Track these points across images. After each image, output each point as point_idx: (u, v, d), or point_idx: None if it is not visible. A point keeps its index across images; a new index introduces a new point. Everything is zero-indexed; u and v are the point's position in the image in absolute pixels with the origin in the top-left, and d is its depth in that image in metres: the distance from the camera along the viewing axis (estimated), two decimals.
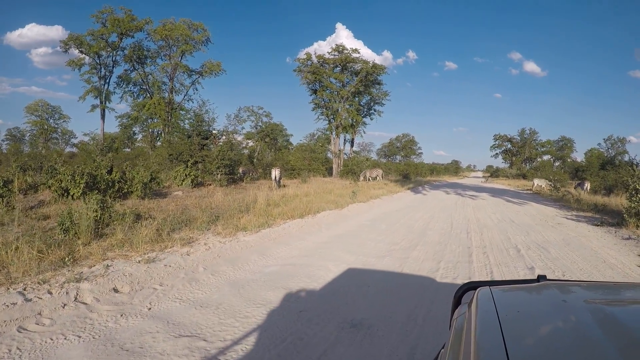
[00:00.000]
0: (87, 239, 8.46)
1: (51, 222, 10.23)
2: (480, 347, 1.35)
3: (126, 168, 17.72)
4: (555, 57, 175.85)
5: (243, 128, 42.18)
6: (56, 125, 66.06)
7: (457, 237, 11.61)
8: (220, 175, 24.61)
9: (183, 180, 22.30)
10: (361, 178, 37.83)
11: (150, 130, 41.67)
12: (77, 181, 13.96)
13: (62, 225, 8.70)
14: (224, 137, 28.96)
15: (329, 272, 7.45)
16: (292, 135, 69.46)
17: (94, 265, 6.88)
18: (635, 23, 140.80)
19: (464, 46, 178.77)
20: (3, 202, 11.87)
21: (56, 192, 14.05)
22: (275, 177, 25.04)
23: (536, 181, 37.58)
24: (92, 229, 8.84)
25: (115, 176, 15.79)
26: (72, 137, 64.74)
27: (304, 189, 22.14)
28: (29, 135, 64.74)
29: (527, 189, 40.93)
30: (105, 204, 10.67)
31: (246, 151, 57.78)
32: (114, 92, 42.84)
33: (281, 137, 67.61)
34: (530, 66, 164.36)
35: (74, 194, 13.91)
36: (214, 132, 28.61)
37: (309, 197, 18.59)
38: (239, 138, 67.80)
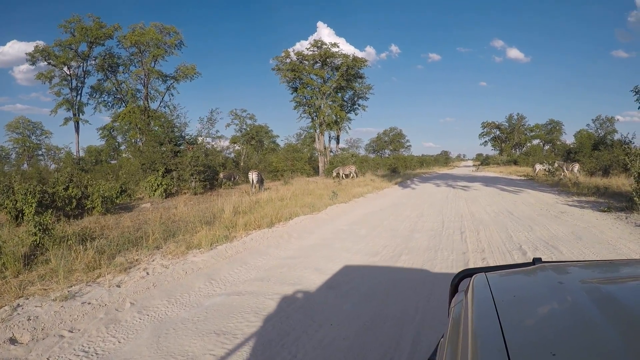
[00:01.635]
0: (16, 269, 7.44)
1: None
2: (477, 335, 1.37)
3: (87, 182, 16.54)
4: (538, 40, 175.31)
5: (217, 131, 40.69)
6: (39, 142, 64.85)
7: (450, 239, 10.12)
8: (195, 182, 23.29)
9: (155, 191, 21.01)
10: (334, 174, 36.55)
11: (132, 140, 40.24)
12: (29, 200, 12.66)
13: None
14: (199, 142, 27.42)
15: (282, 303, 6.09)
16: (278, 136, 68.28)
17: (3, 307, 5.79)
18: (613, 1, 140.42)
19: (446, 37, 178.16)
20: None
21: (9, 213, 12.84)
22: (253, 181, 23.69)
23: (538, 166, 36.19)
24: (20, 258, 7.82)
25: (72, 192, 14.46)
26: (58, 153, 63.04)
27: (282, 192, 20.71)
28: (14, 154, 63.42)
29: (521, 175, 39.71)
30: (45, 227, 9.53)
31: (232, 155, 56.88)
32: (87, 104, 41.28)
33: (267, 139, 66.51)
34: (514, 53, 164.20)
35: (27, 214, 12.68)
36: (186, 137, 27.14)
37: (285, 201, 17.12)
38: (225, 143, 67.19)
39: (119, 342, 4.93)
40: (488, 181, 33.63)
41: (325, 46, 44.01)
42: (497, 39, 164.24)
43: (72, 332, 5.20)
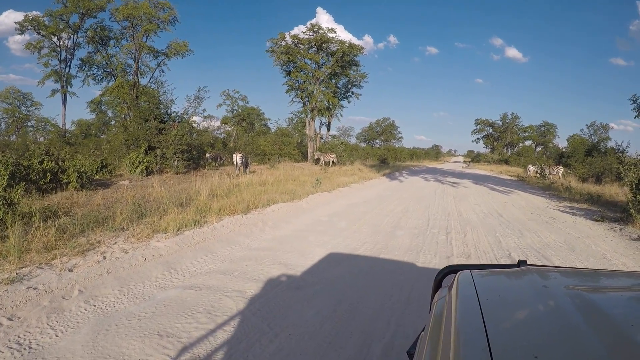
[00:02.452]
0: None
1: None
2: (460, 331, 1.36)
3: (65, 156, 16.11)
4: (537, 43, 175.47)
5: (205, 110, 40.20)
6: (28, 113, 63.84)
7: (434, 240, 9.56)
8: (177, 161, 22.79)
9: (136, 168, 20.53)
10: (315, 158, 36.84)
11: (122, 115, 39.59)
12: (1, 172, 12.18)
13: None
14: (184, 120, 26.84)
15: (240, 302, 5.56)
16: (269, 119, 67.34)
17: None
18: (616, 10, 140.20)
19: (446, 31, 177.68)
20: None
21: None
22: (237, 163, 23.20)
23: (531, 168, 35.92)
24: None
25: (47, 166, 13.97)
26: (47, 125, 62.18)
27: (265, 176, 20.23)
28: (4, 124, 62.46)
29: (512, 175, 39.45)
30: (10, 201, 9.14)
31: (223, 136, 56.30)
32: (76, 76, 40.26)
33: (259, 122, 65.71)
34: (512, 52, 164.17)
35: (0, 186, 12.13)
36: (172, 115, 26.56)
37: (266, 187, 16.66)
38: (217, 123, 66.57)
39: (56, 335, 4.52)
40: (478, 179, 33.23)
41: (321, 31, 43.13)
42: (496, 37, 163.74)
43: (11, 319, 4.82)
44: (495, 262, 7.76)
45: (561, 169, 31.11)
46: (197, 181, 16.22)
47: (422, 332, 1.86)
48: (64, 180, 14.51)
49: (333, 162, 36.03)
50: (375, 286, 6.28)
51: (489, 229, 11.12)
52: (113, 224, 9.15)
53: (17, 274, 5.98)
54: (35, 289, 5.56)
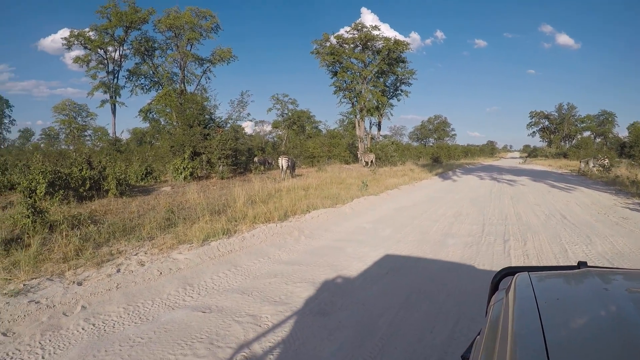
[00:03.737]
0: None
1: None
2: (517, 334, 1.33)
3: (106, 163, 16.09)
4: (588, 26, 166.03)
5: (249, 114, 40.27)
6: (84, 123, 66.49)
7: (490, 251, 8.29)
8: (222, 166, 22.47)
9: (180, 174, 20.30)
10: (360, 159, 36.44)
11: (172, 122, 40.37)
12: (40, 180, 12.16)
13: None
14: (230, 125, 26.59)
15: (250, 331, 4.76)
16: (320, 122, 67.24)
17: None
18: None
19: (493, 22, 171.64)
20: None
21: (23, 192, 12.35)
22: (283, 166, 22.75)
23: (592, 162, 33.89)
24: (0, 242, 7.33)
25: (86, 173, 13.84)
26: (104, 135, 64.45)
27: (310, 180, 19.47)
28: (63, 135, 65.34)
29: (572, 170, 37.18)
30: (39, 209, 8.95)
31: (273, 139, 56.56)
32: (124, 87, 41.71)
33: (309, 125, 65.61)
34: (563, 38, 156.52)
35: (39, 193, 12.14)
36: (216, 120, 26.36)
37: (309, 191, 15.90)
38: (268, 127, 66.99)
39: (42, 357, 4.14)
40: (536, 175, 31.11)
41: (365, 29, 42.22)
42: (545, 24, 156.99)
43: (5, 335, 4.58)
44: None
45: (607, 161, 29.26)
46: (242, 186, 15.69)
47: (478, 336, 1.83)
48: (105, 188, 14.30)
49: (372, 161, 35.20)
50: (413, 313, 5.28)
51: (553, 235, 9.77)
52: (141, 233, 8.68)
53: (24, 285, 5.73)
54: (37, 302, 5.27)
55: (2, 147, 61.02)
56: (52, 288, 5.69)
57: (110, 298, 5.60)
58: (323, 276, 6.68)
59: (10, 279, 5.94)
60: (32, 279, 6.02)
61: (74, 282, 5.94)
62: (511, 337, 1.31)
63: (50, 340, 4.49)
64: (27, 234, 8.11)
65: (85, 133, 65.87)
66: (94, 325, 4.85)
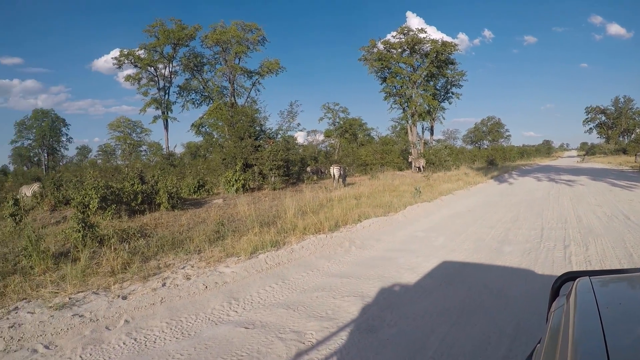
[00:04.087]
0: (44, 267, 7.18)
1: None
2: (578, 341, 1.30)
3: (158, 178, 16.34)
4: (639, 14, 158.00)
5: (299, 124, 40.56)
6: (139, 139, 68.75)
7: (549, 258, 7.67)
8: (274, 177, 22.45)
9: (232, 186, 20.38)
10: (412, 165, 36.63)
11: (225, 136, 41.14)
12: (92, 195, 12.43)
13: (25, 250, 7.48)
14: (280, 136, 26.62)
15: (292, 348, 4.50)
16: (372, 129, 66.86)
17: None
18: None
19: (541, 17, 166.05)
20: (15, 220, 11.40)
21: (76, 207, 12.67)
22: (335, 175, 22.57)
23: None
24: (50, 256, 7.51)
25: (137, 188, 14.07)
26: (158, 150, 66.63)
27: (363, 188, 19.11)
28: (119, 151, 67.84)
29: (632, 167, 35.30)
30: (90, 224, 9.07)
31: (325, 149, 56.71)
32: (175, 102, 42.84)
33: (361, 132, 65.39)
34: (614, 28, 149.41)
35: (92, 208, 12.70)
36: (266, 131, 26.45)
37: (360, 200, 15.51)
38: (321, 137, 67.24)
39: None
40: (595, 174, 29.65)
41: (412, 32, 41.43)
42: (594, 14, 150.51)
43: (47, 347, 4.63)
44: None
45: None
46: (293, 196, 15.51)
47: (538, 344, 1.77)
48: (157, 202, 14.45)
49: (422, 167, 35.05)
50: (467, 328, 4.84)
51: (616, 238, 8.99)
52: (189, 246, 8.60)
53: (69, 299, 5.79)
54: (81, 316, 5.29)
55: (60, 164, 63.93)
56: (96, 302, 5.68)
57: (153, 312, 5.50)
58: (372, 289, 6.31)
59: (57, 293, 6.00)
60: (79, 292, 6.05)
61: (119, 295, 5.90)
62: (572, 344, 1.28)
63: (90, 354, 4.45)
64: (77, 247, 8.19)
65: (141, 148, 68.11)
66: (135, 339, 4.78)
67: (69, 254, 7.79)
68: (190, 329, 5.01)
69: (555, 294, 2.05)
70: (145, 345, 4.61)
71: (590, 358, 1.17)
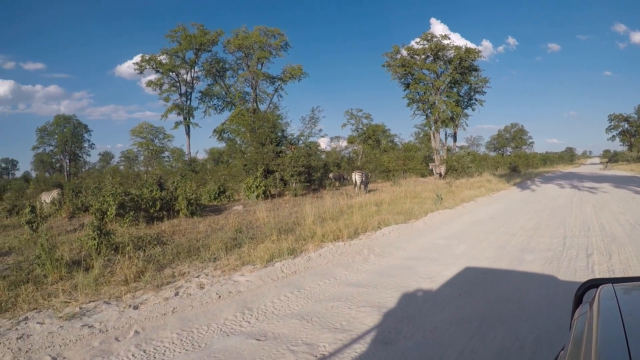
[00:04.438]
0: (58, 275, 7.07)
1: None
2: (601, 349, 1.28)
3: (177, 184, 16.35)
4: None
5: (320, 130, 40.41)
6: (162, 145, 69.08)
7: (571, 267, 7.42)
8: (295, 183, 22.31)
9: (253, 192, 20.31)
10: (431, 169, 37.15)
11: (248, 142, 41.26)
12: (110, 202, 12.40)
13: (39, 258, 7.40)
14: (301, 142, 26.50)
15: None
16: (395, 135, 66.49)
17: (10, 320, 5.36)
18: None
19: (565, 25, 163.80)
20: (31, 227, 11.26)
21: (94, 214, 12.68)
22: (357, 182, 22.37)
23: None
24: (64, 264, 7.42)
25: (156, 194, 14.03)
26: (181, 156, 67.35)
27: (384, 195, 18.89)
28: (142, 157, 68.30)
29: None
30: (105, 231, 9.04)
31: (348, 155, 56.59)
32: (197, 108, 42.91)
33: (385, 138, 65.10)
34: (638, 37, 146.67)
35: (109, 215, 12.71)
36: (288, 137, 26.37)
37: (381, 206, 15.27)
38: (344, 143, 67.15)
39: None
40: (619, 181, 28.98)
41: (435, 39, 41.20)
42: (618, 22, 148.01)
43: (55, 359, 4.53)
44: None
45: None
46: (314, 203, 15.32)
47: (562, 352, 1.75)
48: (176, 208, 14.40)
49: (442, 173, 35.13)
50: (487, 341, 4.59)
51: None
52: (205, 254, 8.47)
53: (80, 308, 5.67)
54: (90, 327, 5.15)
55: (82, 170, 64.44)
56: (107, 312, 5.56)
57: (164, 323, 5.37)
58: (390, 299, 6.08)
59: (68, 302, 5.90)
60: (90, 302, 5.93)
61: (130, 305, 5.77)
62: (595, 351, 1.27)
63: None
64: (91, 256, 8.11)
65: (163, 154, 68.42)
66: (144, 351, 4.66)
67: (84, 262, 7.72)
68: (201, 340, 4.86)
69: (578, 301, 2.04)
70: (154, 358, 4.48)
71: None
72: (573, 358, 1.42)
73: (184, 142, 43.33)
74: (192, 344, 4.76)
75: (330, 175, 29.64)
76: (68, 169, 66.17)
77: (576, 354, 1.41)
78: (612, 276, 6.69)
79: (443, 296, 6.17)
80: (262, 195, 20.44)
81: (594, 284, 2.02)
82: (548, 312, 5.30)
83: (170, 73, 41.08)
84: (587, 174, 43.84)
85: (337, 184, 28.08)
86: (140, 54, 40.69)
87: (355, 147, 63.47)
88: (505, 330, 4.82)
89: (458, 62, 40.47)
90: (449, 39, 41.41)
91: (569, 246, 9.16)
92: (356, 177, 22.66)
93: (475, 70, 43.11)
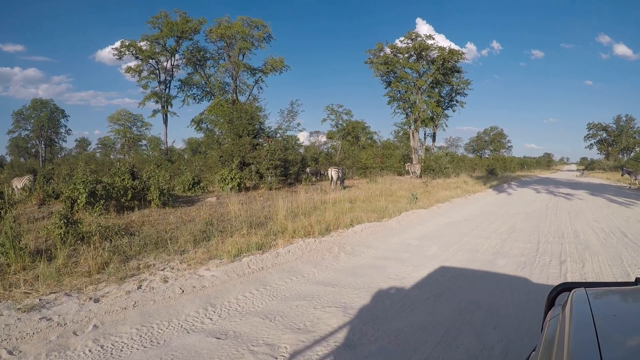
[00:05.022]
0: (21, 265, 6.85)
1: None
2: (573, 351, 1.31)
3: (150, 173, 16.07)
4: None
5: (299, 124, 40.40)
6: (140, 133, 68.25)
7: (544, 274, 7.40)
8: (270, 177, 22.17)
9: (227, 184, 20.11)
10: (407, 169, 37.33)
11: (227, 132, 40.90)
12: (80, 190, 12.08)
13: (2, 246, 7.11)
14: (278, 135, 26.37)
15: None
16: (375, 132, 66.58)
17: None
18: None
19: (550, 33, 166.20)
20: None
21: (64, 202, 12.39)
22: (333, 177, 22.29)
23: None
24: (28, 254, 7.20)
25: (127, 183, 13.78)
26: (159, 144, 66.50)
27: (359, 192, 18.90)
28: (119, 144, 67.39)
29: (631, 184, 35.16)
30: (72, 220, 8.81)
31: (327, 150, 56.62)
32: (176, 96, 42.25)
33: (364, 135, 65.14)
34: (621, 49, 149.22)
35: (79, 203, 12.32)
36: (265, 130, 26.19)
37: (355, 203, 15.26)
38: (323, 138, 67.17)
39: None
40: (594, 189, 29.50)
41: (419, 38, 41.23)
42: (603, 34, 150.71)
43: (11, 353, 4.37)
44: None
45: None
46: (283, 198, 15.19)
47: (533, 352, 1.83)
48: (148, 198, 14.18)
49: (415, 172, 35.41)
50: (453, 348, 4.53)
51: (613, 256, 8.73)
52: (173, 246, 8.33)
53: (40, 300, 5.49)
54: (49, 319, 4.99)
55: (58, 156, 63.32)
56: (67, 304, 5.39)
57: (125, 317, 5.24)
58: (357, 300, 6.02)
59: (29, 293, 5.74)
60: (51, 293, 5.77)
61: (91, 298, 5.61)
62: (567, 353, 1.29)
63: None
64: (55, 245, 7.90)
65: (141, 143, 67.55)
66: (102, 347, 4.52)
67: (49, 252, 7.52)
68: (160, 337, 4.74)
69: (551, 303, 2.08)
70: (111, 354, 4.35)
71: None
72: (545, 358, 1.47)
73: (162, 131, 42.78)
74: (151, 341, 4.64)
75: (308, 170, 29.61)
76: (44, 154, 64.82)
77: (548, 355, 1.45)
78: None
79: (412, 299, 6.11)
80: (237, 188, 20.27)
81: (567, 287, 2.06)
82: (518, 319, 5.28)
83: (150, 60, 40.35)
84: (564, 180, 44.58)
85: (313, 178, 28.04)
86: (123, 39, 39.91)
87: (334, 143, 63.49)
88: (473, 338, 4.77)
89: (441, 62, 40.57)
90: (433, 39, 41.54)
91: (543, 252, 9.20)
92: (332, 172, 22.59)
93: (458, 71, 43.32)
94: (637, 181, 31.77)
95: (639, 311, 1.78)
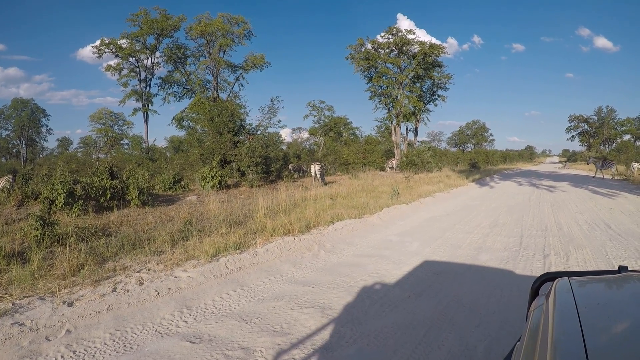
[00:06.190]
0: None
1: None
2: (557, 340, 1.33)
3: (129, 173, 15.92)
4: (627, 29, 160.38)
5: (280, 120, 40.30)
6: (121, 132, 67.71)
7: (528, 268, 7.42)
8: (252, 174, 22.06)
9: (208, 182, 19.96)
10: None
11: (208, 130, 40.70)
12: (58, 190, 11.94)
13: None
14: (259, 132, 26.25)
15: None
16: (357, 128, 66.71)
17: None
18: None
19: (530, 26, 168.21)
20: None
21: (42, 202, 12.22)
22: (315, 174, 22.29)
23: (635, 165, 32.51)
24: (2, 256, 7.13)
25: (106, 183, 13.62)
26: (140, 143, 65.87)
27: (341, 188, 18.83)
28: (102, 143, 66.73)
29: (612, 175, 35.65)
30: (49, 222, 8.73)
31: (310, 146, 56.59)
32: (156, 94, 42.16)
33: (346, 131, 65.17)
34: (601, 42, 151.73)
35: (58, 204, 12.20)
36: (246, 127, 26.05)
37: (337, 200, 15.24)
38: (306, 134, 67.12)
39: None
40: (577, 181, 29.68)
41: (400, 33, 41.36)
42: (583, 27, 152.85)
43: None
44: None
45: (614, 166, 30.68)
46: (264, 195, 15.09)
47: (518, 342, 1.82)
48: (128, 198, 14.03)
49: (392, 167, 36.02)
50: (434, 349, 4.49)
51: (598, 248, 8.76)
52: (150, 247, 8.23)
53: (13, 304, 5.38)
54: (21, 325, 4.89)
55: (39, 156, 62.64)
56: (40, 308, 5.28)
57: (98, 321, 5.14)
58: (336, 300, 5.96)
59: (3, 297, 5.62)
60: (25, 297, 5.65)
61: (65, 302, 5.50)
62: (551, 342, 1.30)
63: None
64: (31, 247, 7.78)
65: (123, 142, 66.95)
66: (74, 352, 4.42)
67: (24, 254, 7.42)
68: (134, 341, 4.66)
69: (535, 293, 2.09)
70: (84, 359, 4.27)
71: (569, 357, 1.19)
72: (529, 349, 1.47)
73: (143, 129, 42.44)
74: (124, 346, 4.56)
75: (290, 166, 29.57)
76: (25, 154, 64.21)
77: (532, 345, 1.46)
78: None
79: (392, 297, 6.07)
80: (218, 186, 20.14)
81: (550, 277, 2.08)
82: (501, 317, 5.25)
83: (130, 58, 40.14)
84: (546, 173, 44.84)
85: (296, 175, 28.01)
86: (101, 37, 39.52)
87: (317, 139, 63.46)
88: (455, 337, 4.73)
89: (422, 57, 40.77)
90: (414, 34, 41.68)
91: (526, 246, 9.21)
92: (315, 169, 22.61)
93: (439, 66, 43.55)
94: (602, 172, 32.53)
95: (621, 299, 1.80)
